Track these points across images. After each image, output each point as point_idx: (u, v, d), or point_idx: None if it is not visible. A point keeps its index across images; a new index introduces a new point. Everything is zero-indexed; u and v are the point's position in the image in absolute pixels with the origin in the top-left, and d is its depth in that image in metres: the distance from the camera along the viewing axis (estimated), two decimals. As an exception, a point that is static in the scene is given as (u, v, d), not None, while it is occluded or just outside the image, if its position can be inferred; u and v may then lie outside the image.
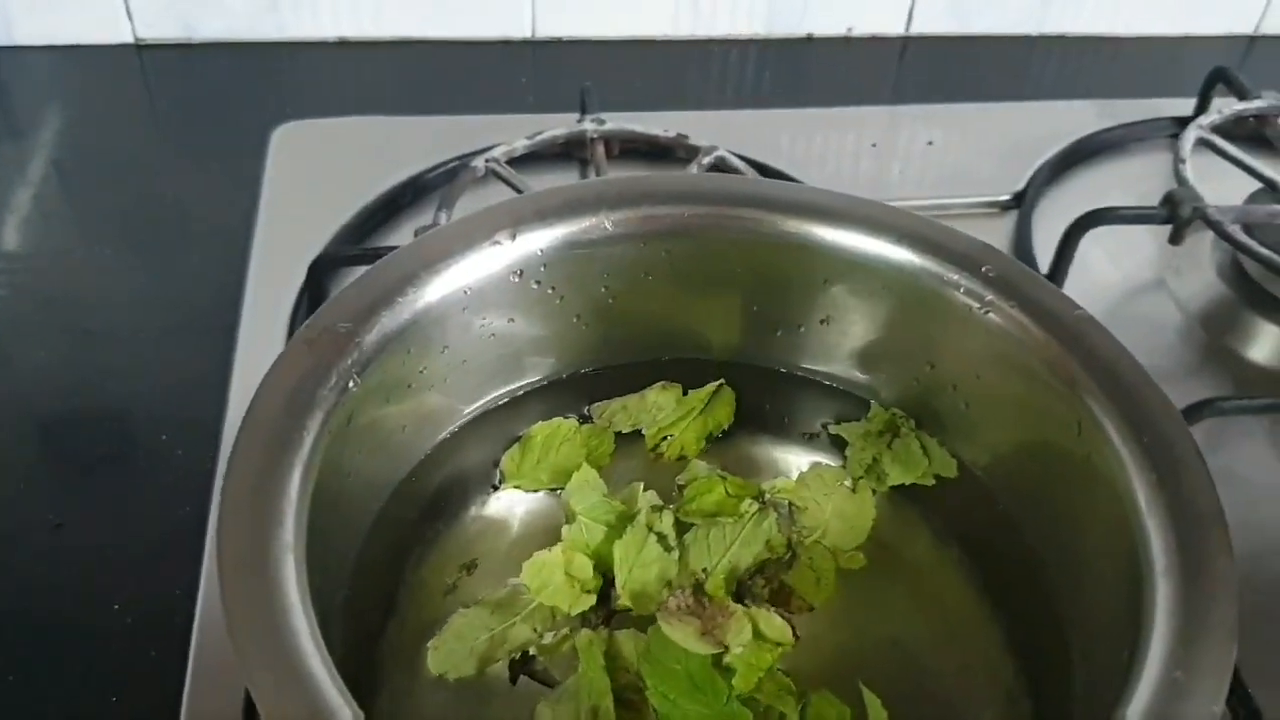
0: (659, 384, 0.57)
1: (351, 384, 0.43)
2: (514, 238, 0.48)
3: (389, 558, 0.48)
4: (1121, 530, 0.42)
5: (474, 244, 0.48)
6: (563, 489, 0.52)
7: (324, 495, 0.41)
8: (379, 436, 0.47)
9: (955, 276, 0.49)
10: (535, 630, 0.46)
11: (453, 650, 0.46)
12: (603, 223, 0.50)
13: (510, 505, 0.54)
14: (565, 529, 0.50)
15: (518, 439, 0.55)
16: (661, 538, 0.49)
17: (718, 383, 0.56)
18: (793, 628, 0.46)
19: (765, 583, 0.49)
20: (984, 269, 0.48)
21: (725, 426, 0.56)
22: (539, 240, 0.49)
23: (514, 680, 0.46)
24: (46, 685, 0.56)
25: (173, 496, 0.64)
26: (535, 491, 0.53)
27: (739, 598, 0.49)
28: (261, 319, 0.72)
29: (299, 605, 0.35)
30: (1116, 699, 0.36)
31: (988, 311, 0.48)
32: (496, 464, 0.54)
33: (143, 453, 0.67)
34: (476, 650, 0.46)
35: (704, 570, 0.49)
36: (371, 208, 0.78)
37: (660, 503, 0.51)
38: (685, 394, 0.56)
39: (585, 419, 0.56)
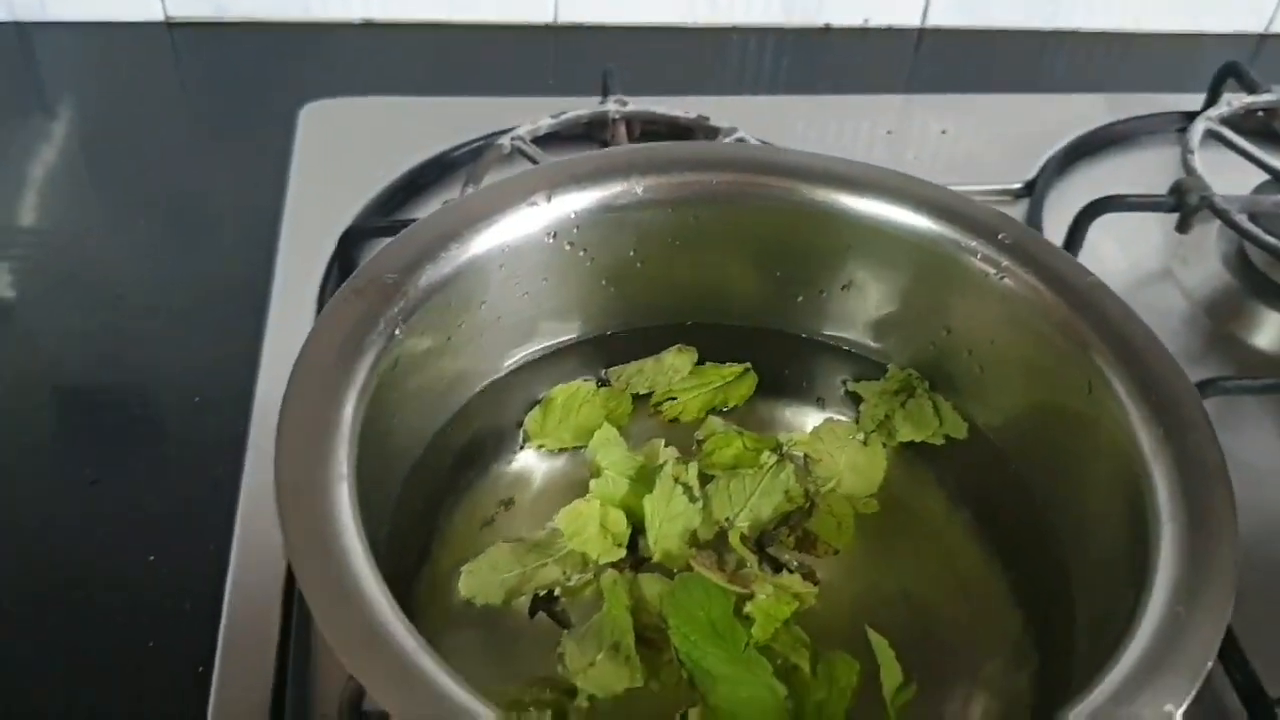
0: (675, 347, 0.58)
1: (397, 331, 0.45)
2: (550, 200, 0.50)
3: (426, 502, 0.50)
4: (1128, 484, 0.44)
5: (512, 204, 0.50)
6: (585, 447, 0.54)
7: (370, 436, 0.43)
8: (420, 386, 0.49)
9: (972, 243, 0.51)
10: (564, 573, 0.49)
11: (485, 578, 0.48)
12: (634, 188, 0.52)
13: (538, 459, 0.56)
14: (592, 483, 0.52)
15: (539, 402, 0.57)
16: (687, 489, 0.51)
17: (744, 366, 0.58)
18: (815, 579, 0.49)
19: (790, 531, 0.51)
20: (1000, 236, 0.50)
21: (734, 405, 0.58)
22: (573, 203, 0.51)
23: (532, 614, 0.49)
24: (83, 634, 0.58)
25: (206, 457, 0.66)
26: (558, 450, 0.55)
27: (764, 547, 0.51)
28: (292, 289, 0.74)
29: (352, 528, 0.37)
30: (1119, 638, 0.38)
31: (1003, 277, 0.50)
32: (520, 424, 0.56)
33: (176, 416, 0.69)
34: (506, 583, 0.48)
35: (727, 520, 0.51)
36: (398, 184, 0.80)
37: (682, 457, 0.53)
38: (702, 361, 0.58)
39: (603, 383, 0.58)
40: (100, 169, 0.86)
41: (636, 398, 0.57)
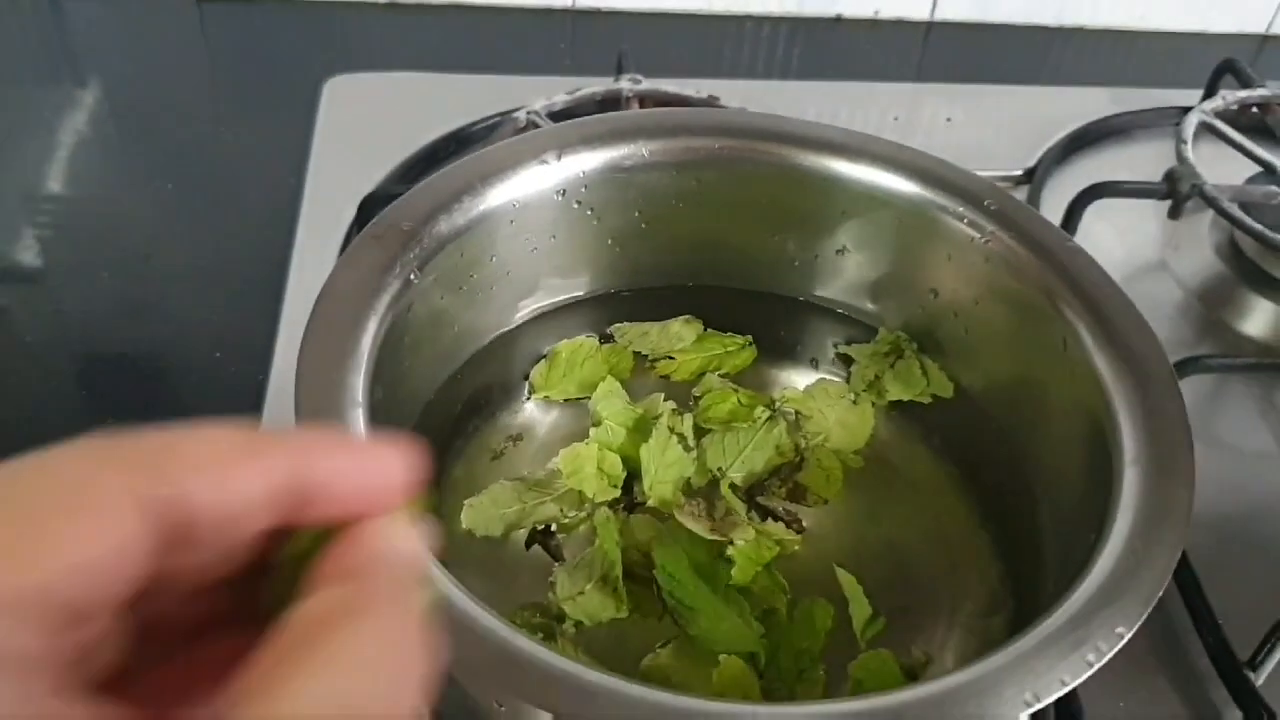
0: (683, 317, 0.61)
1: (412, 276, 0.48)
2: (560, 158, 0.53)
3: (435, 444, 0.53)
4: (1097, 435, 0.46)
5: (524, 161, 0.52)
6: (588, 399, 0.57)
7: (384, 374, 0.45)
8: (432, 332, 0.52)
9: (960, 209, 0.53)
10: (561, 510, 0.51)
11: (486, 512, 0.51)
12: (641, 150, 0.54)
13: (543, 410, 0.58)
14: (592, 430, 0.55)
15: (544, 356, 0.59)
16: (682, 439, 0.53)
17: (746, 339, 0.60)
18: (800, 528, 0.51)
19: (781, 483, 0.53)
20: (986, 203, 0.53)
21: (728, 373, 0.60)
22: (582, 163, 0.54)
23: (528, 546, 0.51)
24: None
25: (225, 407, 0.68)
26: (563, 401, 0.58)
27: (755, 497, 0.53)
28: (312, 252, 0.76)
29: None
30: (1080, 570, 0.41)
31: (987, 241, 0.53)
32: (527, 376, 0.59)
33: (198, 369, 0.72)
34: (506, 518, 0.51)
35: (719, 469, 0.53)
36: (418, 156, 0.82)
37: (679, 409, 0.56)
38: (705, 329, 0.61)
39: (606, 338, 0.60)
40: (129, 138, 0.89)
41: (637, 354, 0.60)
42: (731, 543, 0.50)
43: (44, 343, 0.72)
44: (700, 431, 0.55)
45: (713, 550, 0.50)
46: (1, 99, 0.90)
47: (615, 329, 0.60)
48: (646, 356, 0.59)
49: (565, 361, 0.58)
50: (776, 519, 0.53)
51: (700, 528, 0.50)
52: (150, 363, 0.72)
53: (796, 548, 0.52)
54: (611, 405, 0.55)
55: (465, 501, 0.51)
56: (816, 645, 0.48)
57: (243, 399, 0.68)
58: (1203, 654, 0.59)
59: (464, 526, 0.50)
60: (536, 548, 0.51)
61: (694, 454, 0.53)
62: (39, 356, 0.71)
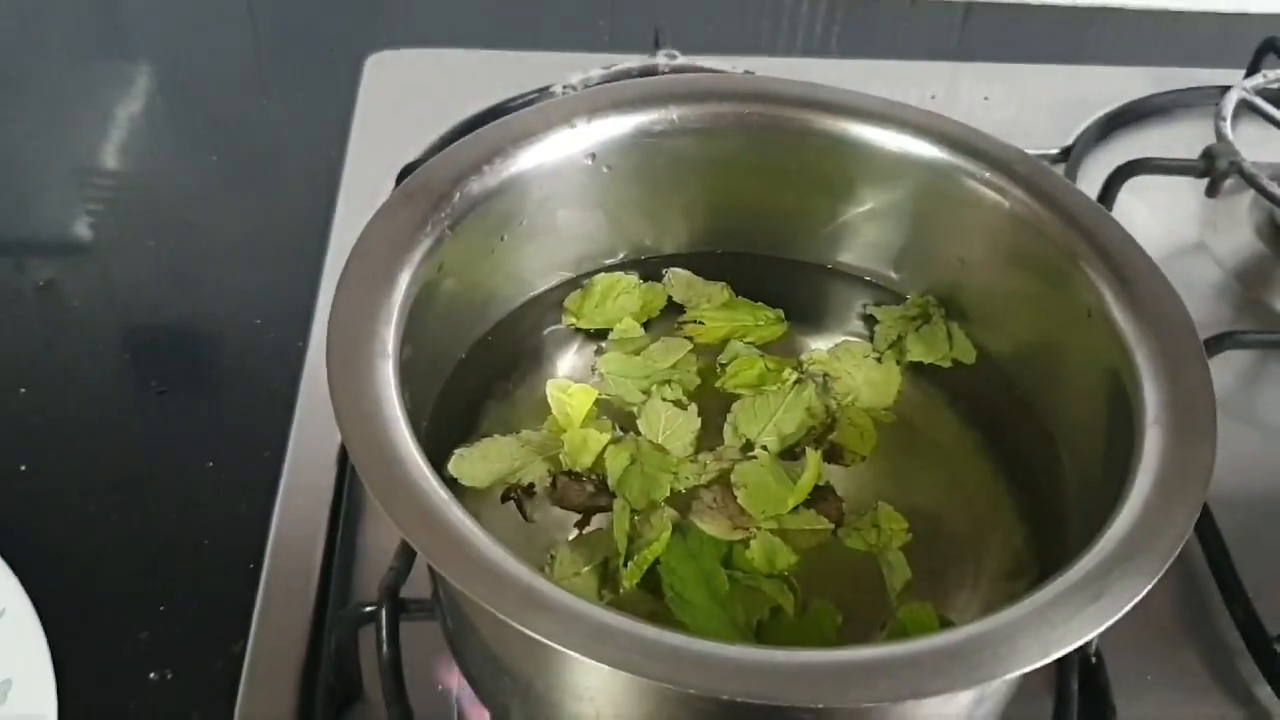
0: (722, 283, 0.61)
1: (443, 235, 0.49)
2: (590, 122, 0.54)
3: (463, 405, 0.54)
4: (1122, 401, 0.46)
5: (553, 125, 0.53)
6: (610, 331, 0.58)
7: (414, 330, 0.46)
8: (462, 293, 0.52)
9: (986, 174, 0.54)
10: (549, 472, 0.52)
11: (475, 465, 0.51)
12: (670, 115, 0.55)
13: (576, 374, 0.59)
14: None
15: (581, 286, 0.60)
16: (676, 403, 0.54)
17: (778, 313, 0.60)
18: (840, 515, 0.52)
19: (816, 446, 0.53)
20: (1013, 168, 0.53)
21: (753, 342, 0.59)
22: (611, 128, 0.55)
23: (503, 499, 0.51)
24: (146, 530, 0.62)
25: (265, 371, 0.70)
26: (590, 330, 0.59)
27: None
28: (352, 223, 0.77)
29: (394, 397, 0.41)
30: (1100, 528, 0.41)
31: (1014, 206, 0.53)
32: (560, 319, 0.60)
33: (239, 335, 0.74)
34: (494, 471, 0.51)
35: (751, 439, 0.54)
36: (456, 130, 0.84)
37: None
38: (736, 294, 0.61)
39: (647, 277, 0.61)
40: (176, 111, 0.91)
41: (671, 302, 0.60)
42: (747, 544, 0.49)
43: (92, 310, 0.74)
44: (729, 397, 0.55)
45: (719, 554, 0.49)
46: (53, 74, 0.92)
47: (672, 271, 0.61)
48: (680, 315, 0.60)
49: (600, 293, 0.59)
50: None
51: (719, 528, 0.50)
52: (194, 330, 0.74)
53: (826, 538, 0.51)
54: (617, 362, 0.56)
55: (455, 451, 0.51)
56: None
57: (283, 365, 0.69)
58: (1232, 628, 0.59)
59: (450, 474, 0.51)
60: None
61: (692, 408, 0.54)
62: (87, 325, 0.74)
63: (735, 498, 0.51)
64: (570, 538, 0.50)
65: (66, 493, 0.64)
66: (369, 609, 0.51)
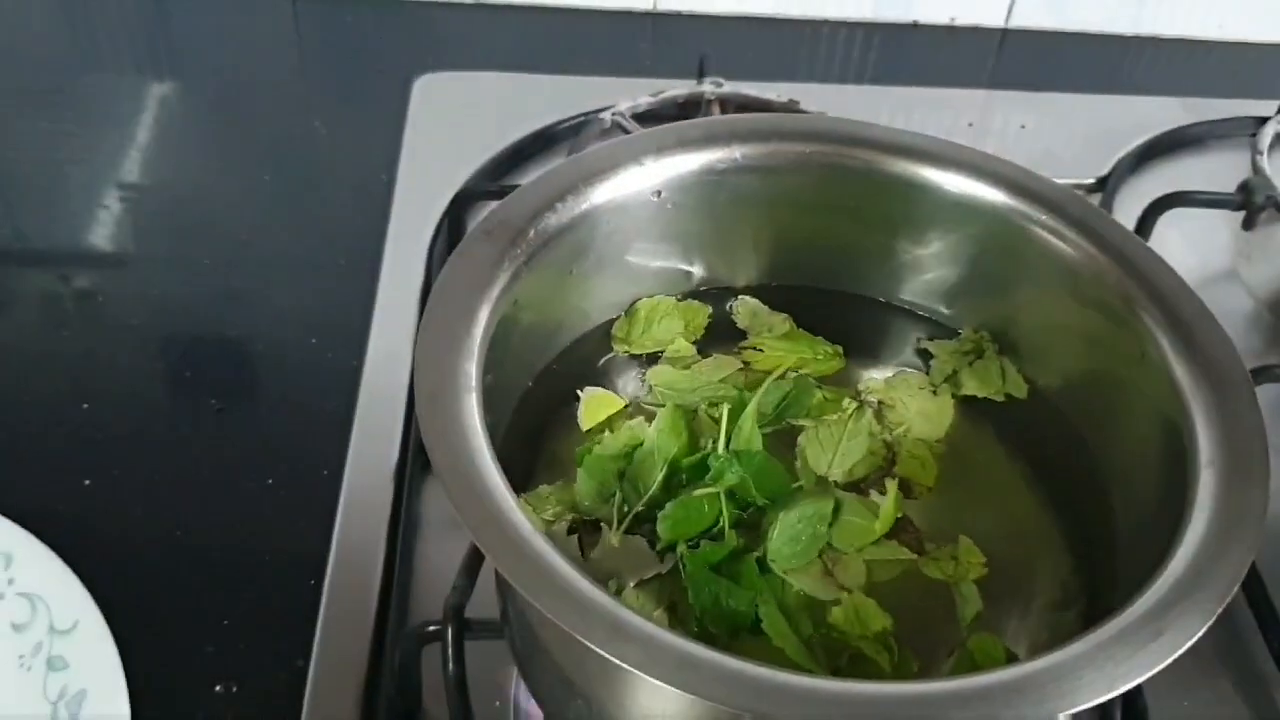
0: (785, 314, 0.62)
1: (520, 270, 0.50)
2: (657, 160, 0.56)
3: (532, 429, 0.55)
4: (1174, 441, 0.48)
5: (622, 163, 0.55)
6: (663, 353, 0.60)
7: (492, 360, 0.48)
8: (534, 324, 0.54)
9: (1043, 217, 0.55)
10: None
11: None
12: (734, 154, 0.57)
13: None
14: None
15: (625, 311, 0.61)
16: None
17: (836, 349, 0.60)
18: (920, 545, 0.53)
19: (885, 478, 0.54)
20: (1066, 209, 0.55)
21: (812, 374, 0.60)
22: (678, 165, 0.56)
23: (569, 532, 0.52)
24: (207, 546, 0.64)
25: (322, 390, 0.72)
26: (641, 354, 0.60)
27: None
28: (404, 244, 0.80)
29: (479, 429, 0.43)
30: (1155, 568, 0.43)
31: (1067, 248, 0.55)
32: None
33: (295, 355, 0.75)
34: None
35: (821, 469, 0.55)
36: (505, 153, 0.86)
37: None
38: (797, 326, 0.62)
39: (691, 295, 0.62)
40: (229, 131, 0.92)
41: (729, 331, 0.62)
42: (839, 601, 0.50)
43: (149, 327, 0.76)
44: (793, 430, 0.56)
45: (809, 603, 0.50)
46: (107, 93, 0.94)
47: (741, 298, 0.62)
48: (740, 340, 0.61)
49: (644, 318, 0.60)
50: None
51: (823, 589, 0.50)
52: (249, 347, 0.76)
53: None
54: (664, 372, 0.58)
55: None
56: None
57: (339, 384, 0.71)
58: (1268, 658, 0.61)
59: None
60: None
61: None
62: (144, 340, 0.75)
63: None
64: (631, 584, 0.51)
65: (131, 508, 0.65)
66: (433, 628, 0.53)
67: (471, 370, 0.45)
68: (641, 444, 0.53)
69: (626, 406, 0.57)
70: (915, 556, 0.52)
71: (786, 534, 0.50)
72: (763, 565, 0.50)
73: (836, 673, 0.47)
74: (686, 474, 0.53)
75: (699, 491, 0.51)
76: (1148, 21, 1.06)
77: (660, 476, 0.52)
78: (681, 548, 0.50)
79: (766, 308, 0.62)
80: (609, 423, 0.56)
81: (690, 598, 0.48)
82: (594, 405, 0.56)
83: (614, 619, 0.38)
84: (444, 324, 0.46)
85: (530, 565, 0.39)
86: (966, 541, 0.52)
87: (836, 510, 0.52)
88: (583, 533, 0.53)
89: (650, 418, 0.55)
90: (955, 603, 0.51)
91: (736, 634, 0.48)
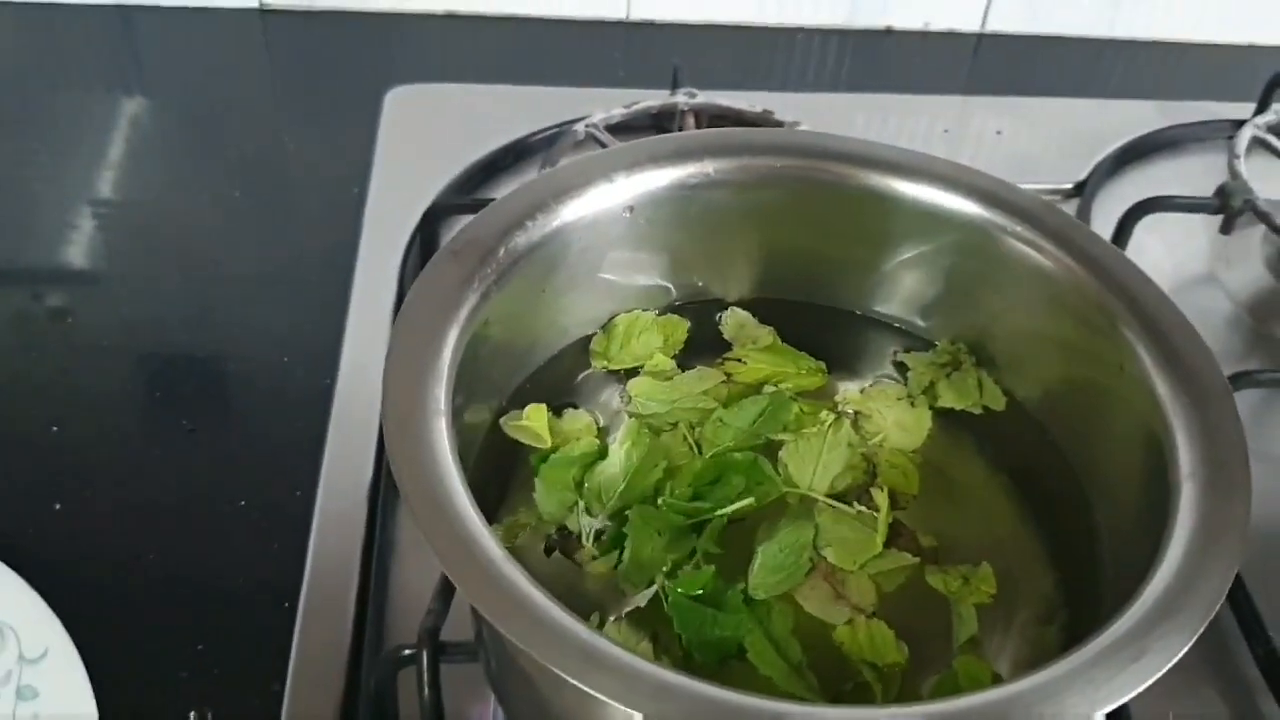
0: (770, 328, 0.62)
1: (489, 290, 0.50)
2: (628, 176, 0.55)
3: (507, 447, 0.55)
4: (1154, 453, 0.48)
5: (593, 180, 0.54)
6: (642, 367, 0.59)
7: (462, 382, 0.47)
8: (506, 343, 0.53)
9: (1019, 229, 0.55)
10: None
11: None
12: (706, 169, 0.56)
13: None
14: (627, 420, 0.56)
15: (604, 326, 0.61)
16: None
17: (820, 365, 0.60)
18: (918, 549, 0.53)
19: (865, 500, 0.54)
20: (1045, 223, 0.54)
21: (792, 388, 0.60)
22: (649, 181, 0.56)
23: (547, 553, 0.52)
24: (181, 566, 0.63)
25: (293, 410, 0.71)
26: (620, 370, 0.59)
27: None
28: (375, 260, 0.79)
29: (448, 453, 0.42)
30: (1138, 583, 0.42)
31: (1044, 260, 0.54)
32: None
33: (266, 373, 0.74)
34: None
35: (804, 483, 0.54)
36: (478, 165, 0.85)
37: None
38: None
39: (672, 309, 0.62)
40: (197, 146, 0.91)
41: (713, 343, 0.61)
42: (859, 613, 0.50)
43: (119, 347, 0.75)
44: (773, 444, 0.56)
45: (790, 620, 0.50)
46: (73, 109, 0.93)
47: (730, 310, 0.62)
48: (724, 351, 0.61)
49: (623, 334, 0.60)
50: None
51: (832, 612, 0.50)
52: (221, 368, 0.75)
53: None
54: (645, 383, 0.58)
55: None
56: None
57: (310, 403, 0.70)
58: (1252, 665, 0.60)
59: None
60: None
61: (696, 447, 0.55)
62: (113, 359, 0.74)
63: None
64: (612, 619, 0.50)
65: (101, 532, 0.64)
66: (409, 651, 0.52)
67: (440, 394, 0.44)
68: (599, 453, 0.54)
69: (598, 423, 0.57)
70: (916, 560, 0.52)
71: (770, 564, 0.50)
72: (746, 596, 0.50)
73: (838, 699, 0.47)
74: (649, 487, 0.53)
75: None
76: (1123, 25, 1.06)
77: (620, 489, 0.52)
78: (660, 578, 0.49)
79: (754, 320, 0.62)
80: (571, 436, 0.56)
81: (676, 627, 0.48)
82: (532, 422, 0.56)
83: (587, 648, 0.37)
84: (411, 349, 0.46)
85: (500, 594, 0.38)
86: (987, 570, 0.52)
87: (818, 533, 0.52)
88: (560, 549, 0.52)
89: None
90: (950, 621, 0.51)
91: (725, 662, 0.48)
